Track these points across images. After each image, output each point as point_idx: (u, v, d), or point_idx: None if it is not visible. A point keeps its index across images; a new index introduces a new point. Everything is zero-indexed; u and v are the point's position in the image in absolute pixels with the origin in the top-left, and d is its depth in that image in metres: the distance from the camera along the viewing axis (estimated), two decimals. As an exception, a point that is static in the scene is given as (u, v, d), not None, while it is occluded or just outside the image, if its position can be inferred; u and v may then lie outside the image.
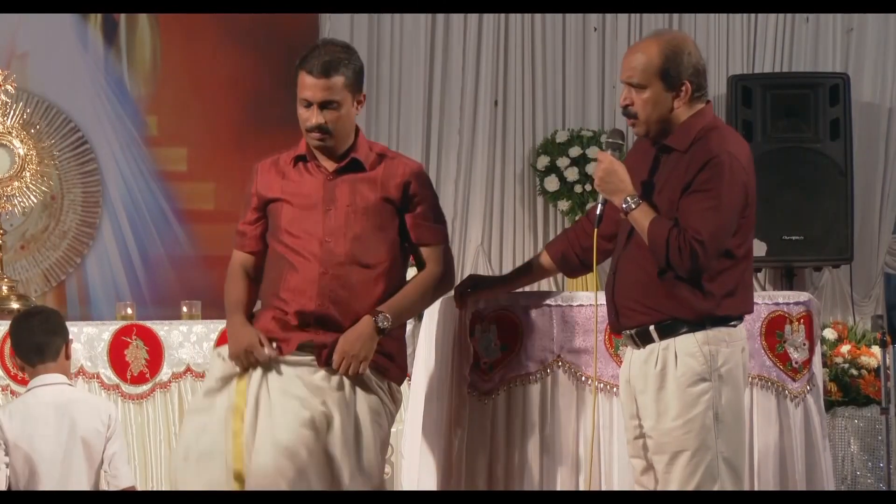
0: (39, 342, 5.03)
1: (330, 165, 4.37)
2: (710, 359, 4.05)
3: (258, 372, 4.26)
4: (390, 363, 4.37)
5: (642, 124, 4.15)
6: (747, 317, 4.65)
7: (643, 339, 4.13)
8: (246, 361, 4.25)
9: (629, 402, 4.21)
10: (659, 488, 4.13)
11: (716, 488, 4.04)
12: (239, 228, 4.50)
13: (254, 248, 4.46)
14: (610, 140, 4.23)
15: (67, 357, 5.10)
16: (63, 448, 4.93)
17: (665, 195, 4.08)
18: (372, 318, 4.27)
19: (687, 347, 4.06)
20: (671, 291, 4.06)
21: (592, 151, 7.68)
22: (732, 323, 4.12)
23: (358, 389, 4.27)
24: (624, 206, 4.09)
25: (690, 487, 4.04)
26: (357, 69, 4.33)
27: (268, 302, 4.38)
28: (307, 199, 4.36)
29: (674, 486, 4.07)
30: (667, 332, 4.09)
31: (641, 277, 4.11)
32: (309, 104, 4.30)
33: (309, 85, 4.28)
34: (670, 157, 4.12)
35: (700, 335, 4.06)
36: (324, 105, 4.29)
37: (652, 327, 4.10)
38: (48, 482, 4.88)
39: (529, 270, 4.71)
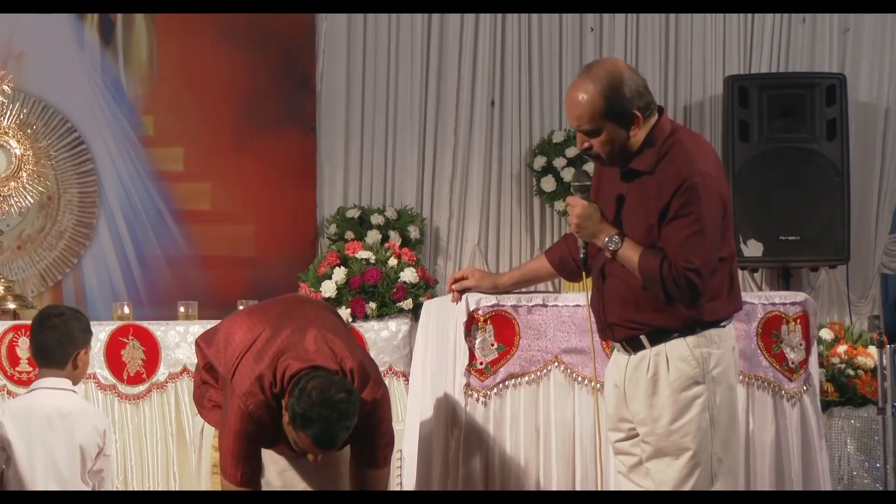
0: (45, 346, 4.92)
1: None
2: (703, 362, 4.05)
3: None
4: None
5: (606, 160, 4.14)
6: (744, 316, 4.65)
7: (634, 347, 4.13)
8: None
9: (617, 405, 4.21)
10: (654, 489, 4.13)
11: (714, 489, 4.05)
12: None
13: None
14: (577, 183, 4.22)
15: (75, 367, 4.94)
16: (61, 452, 4.85)
17: (640, 218, 4.07)
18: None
19: (678, 352, 4.06)
20: (658, 305, 4.06)
21: (589, 152, 7.67)
22: (722, 323, 4.12)
23: None
24: (610, 246, 4.07)
25: (687, 489, 4.04)
26: None
27: None
28: None
29: (669, 488, 4.07)
30: (657, 338, 4.09)
31: (628, 294, 4.11)
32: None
33: (310, 449, 4.18)
34: (640, 180, 4.10)
35: (691, 339, 4.06)
36: None
37: (643, 336, 4.11)
38: (43, 484, 4.81)
39: (529, 274, 4.71)
